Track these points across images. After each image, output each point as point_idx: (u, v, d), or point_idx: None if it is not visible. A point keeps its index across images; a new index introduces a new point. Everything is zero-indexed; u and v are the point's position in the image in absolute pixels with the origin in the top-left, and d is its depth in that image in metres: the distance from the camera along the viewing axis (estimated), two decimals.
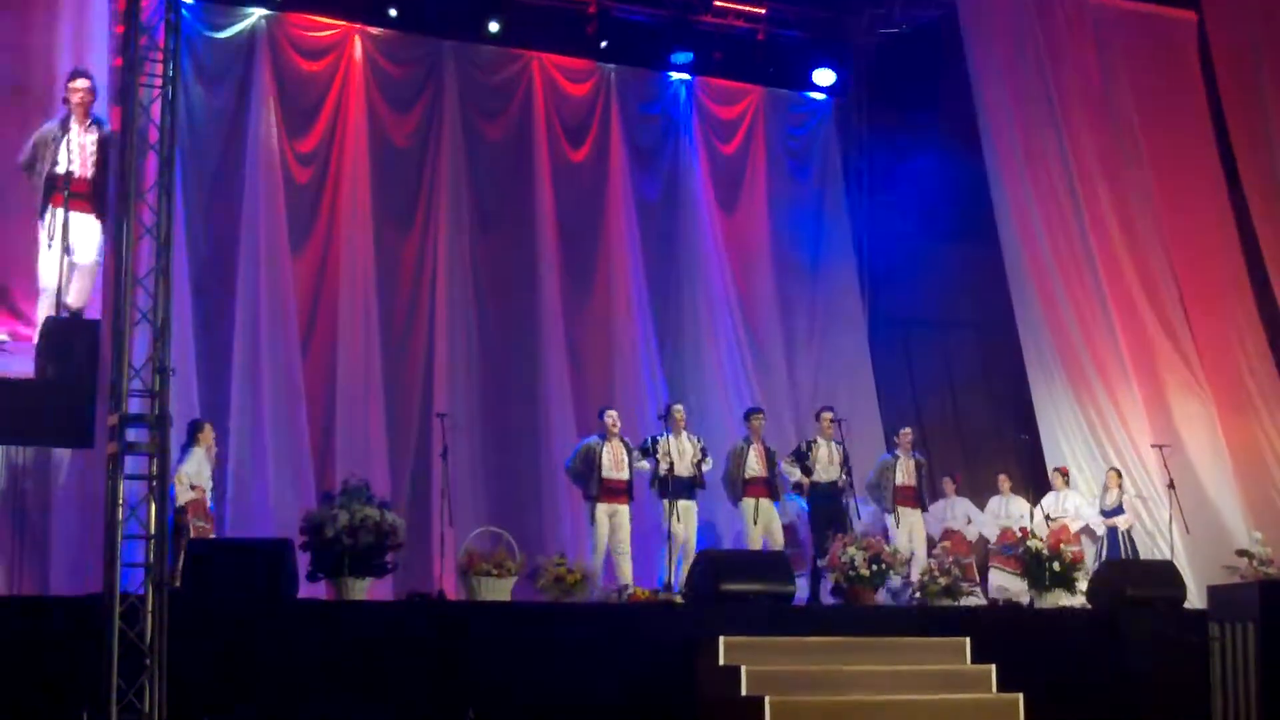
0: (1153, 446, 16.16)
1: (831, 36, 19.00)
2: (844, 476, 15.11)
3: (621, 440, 14.46)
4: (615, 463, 14.32)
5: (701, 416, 17.22)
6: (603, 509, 14.22)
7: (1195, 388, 17.00)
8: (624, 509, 14.35)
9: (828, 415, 15.39)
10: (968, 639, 11.59)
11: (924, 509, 15.78)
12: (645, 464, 14.53)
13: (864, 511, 15.41)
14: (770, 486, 14.86)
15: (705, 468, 14.64)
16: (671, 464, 14.34)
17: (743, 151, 18.61)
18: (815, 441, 15.23)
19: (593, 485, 14.25)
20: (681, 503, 14.35)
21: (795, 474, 14.99)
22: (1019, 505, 16.22)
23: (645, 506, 15.15)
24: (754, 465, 14.80)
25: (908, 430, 15.99)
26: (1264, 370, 17.27)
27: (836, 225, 18.94)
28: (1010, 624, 12.82)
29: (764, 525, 14.72)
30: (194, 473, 13.26)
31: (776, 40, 18.72)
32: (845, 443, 15.22)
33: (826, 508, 14.97)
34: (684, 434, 14.63)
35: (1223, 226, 17.64)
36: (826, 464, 15.04)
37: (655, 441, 14.51)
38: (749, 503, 14.73)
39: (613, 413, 14.63)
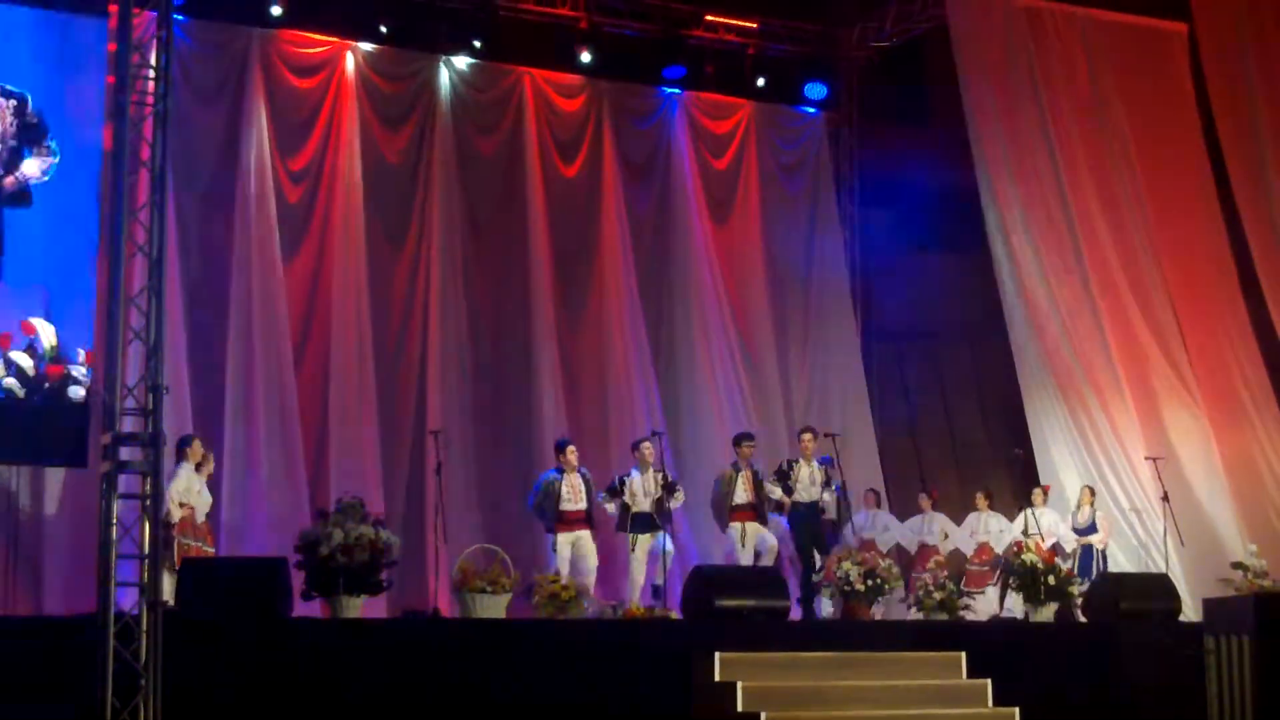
0: (1146, 459, 16.16)
1: (822, 51, 19.05)
2: (824, 496, 15.13)
3: (579, 473, 14.38)
4: (573, 494, 14.23)
5: (695, 433, 17.26)
6: (563, 537, 14.13)
7: (1189, 400, 17.02)
8: (585, 534, 14.23)
9: (808, 436, 15.40)
10: (963, 653, 11.56)
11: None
12: (612, 506, 14.53)
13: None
14: (758, 512, 14.84)
15: (672, 503, 14.54)
16: (634, 499, 14.42)
17: (735, 165, 18.64)
18: (796, 461, 15.23)
19: (550, 518, 14.22)
20: (643, 536, 14.38)
21: (776, 493, 15.00)
22: (997, 522, 16.27)
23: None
24: (742, 492, 14.78)
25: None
26: (1258, 382, 17.28)
27: (829, 238, 18.96)
28: (1006, 638, 12.80)
29: (753, 548, 14.72)
30: (183, 490, 13.24)
31: (768, 55, 18.74)
32: (840, 457, 15.20)
33: (807, 527, 15.01)
34: (650, 470, 14.57)
35: (1215, 237, 17.66)
36: (808, 484, 15.05)
37: (623, 482, 14.53)
38: (736, 527, 14.73)
39: (572, 448, 14.52)
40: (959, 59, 17.30)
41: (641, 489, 14.44)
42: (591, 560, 14.13)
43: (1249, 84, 17.42)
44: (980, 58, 17.41)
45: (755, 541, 14.67)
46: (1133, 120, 17.69)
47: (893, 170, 19.17)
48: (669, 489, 14.43)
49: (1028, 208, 17.11)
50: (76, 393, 13.28)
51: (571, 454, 14.38)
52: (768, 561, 14.63)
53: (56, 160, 14.00)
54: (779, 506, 15.04)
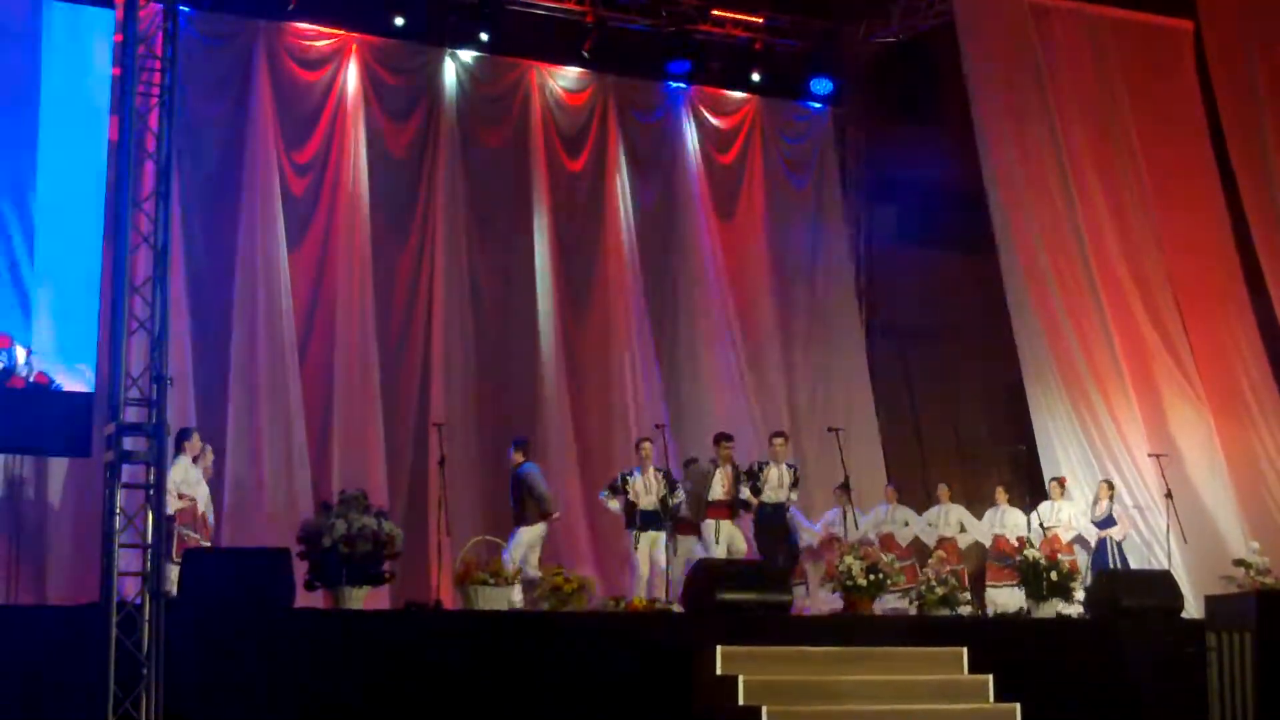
0: (1150, 456, 16.17)
1: (829, 46, 19.02)
2: (793, 496, 15.26)
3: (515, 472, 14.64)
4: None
5: (698, 427, 17.25)
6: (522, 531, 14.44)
7: (1192, 397, 17.01)
8: (519, 529, 14.42)
9: (779, 440, 15.64)
10: (965, 649, 11.55)
11: None
12: (615, 503, 14.65)
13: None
14: (731, 510, 14.93)
15: (674, 501, 14.64)
16: (638, 497, 14.52)
17: (740, 161, 18.65)
18: (767, 463, 15.34)
19: None
20: (647, 534, 14.46)
21: (745, 493, 15.11)
22: (1015, 516, 16.23)
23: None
24: (718, 489, 14.88)
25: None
26: (1261, 380, 17.27)
27: (834, 234, 18.98)
28: (1008, 634, 12.79)
29: (726, 544, 14.82)
30: (180, 480, 13.25)
31: (774, 50, 18.74)
32: (843, 452, 15.24)
33: (773, 527, 15.15)
34: (651, 469, 14.67)
35: (1220, 235, 17.65)
36: (776, 486, 15.21)
37: (625, 479, 14.66)
38: (710, 524, 14.86)
39: (510, 449, 14.81)
40: (965, 55, 17.27)
41: (644, 487, 14.53)
42: (535, 558, 14.23)
43: (1254, 81, 17.41)
44: (986, 54, 17.38)
45: (727, 539, 14.78)
46: (1138, 117, 17.68)
47: (898, 166, 19.17)
48: (672, 487, 14.51)
49: (1033, 203, 17.09)
50: None
51: (514, 453, 14.69)
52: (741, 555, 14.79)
53: None
54: (746, 506, 15.14)
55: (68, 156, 14.08)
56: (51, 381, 13.46)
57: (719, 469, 15.02)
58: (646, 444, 14.83)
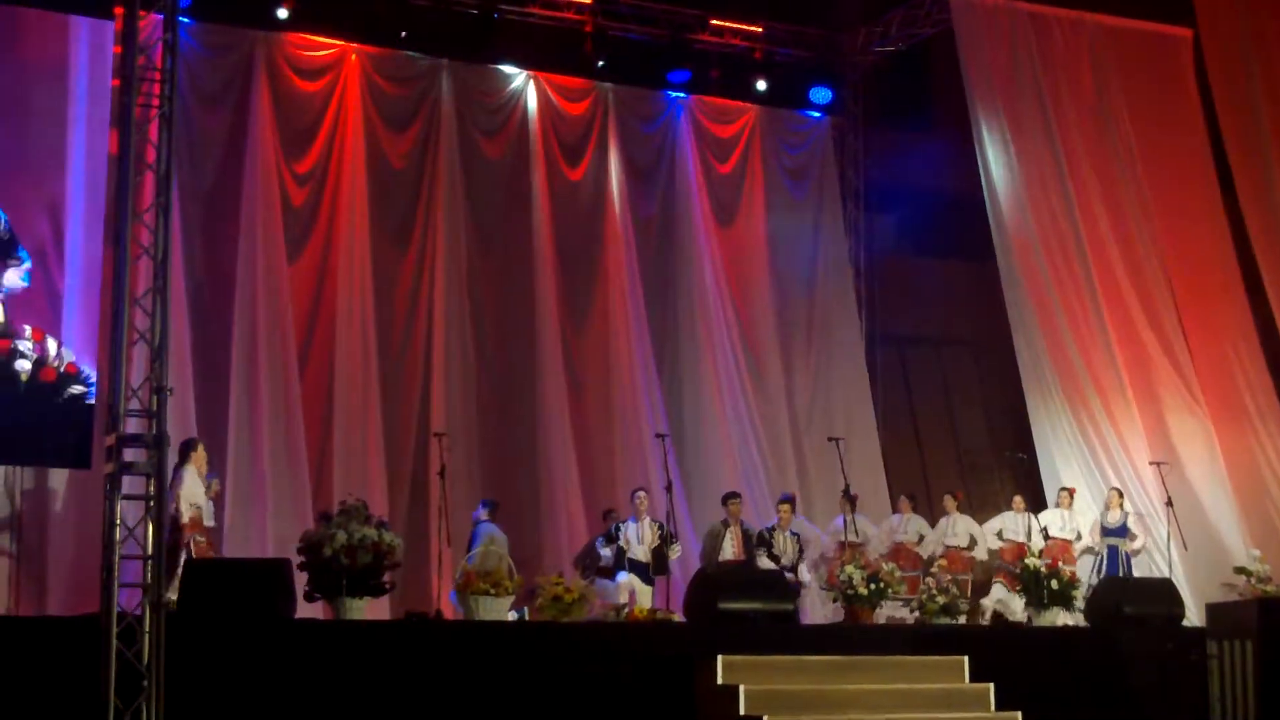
0: (1151, 464, 16.16)
1: (828, 55, 19.05)
2: (797, 553, 15.27)
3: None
4: None
5: (698, 436, 17.28)
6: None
7: (1193, 405, 17.01)
8: None
9: (785, 506, 15.62)
10: (966, 658, 11.55)
11: None
12: (608, 550, 14.67)
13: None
14: None
15: (672, 555, 14.60)
16: (629, 545, 14.54)
17: (740, 170, 18.64)
18: (775, 529, 15.33)
19: None
20: (631, 577, 14.46)
21: (763, 559, 15.08)
22: (1028, 522, 16.16)
23: None
24: (729, 550, 14.86)
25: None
26: (1261, 387, 17.27)
27: (833, 243, 18.96)
28: (1009, 642, 12.79)
29: None
30: (190, 491, 13.25)
31: (773, 59, 18.74)
32: (844, 461, 15.23)
33: None
34: (646, 520, 14.66)
35: (1220, 243, 17.66)
36: (782, 553, 15.17)
37: (618, 528, 14.70)
38: None
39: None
40: (964, 64, 17.30)
41: (636, 537, 14.56)
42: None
43: (1253, 89, 17.40)
44: (985, 63, 17.40)
45: None
46: (1137, 125, 17.70)
47: (897, 174, 19.17)
48: (666, 540, 14.49)
49: (1032, 212, 17.11)
50: (23, 366, 13.38)
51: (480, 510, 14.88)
52: None
53: (28, 265, 14.09)
54: None
55: (94, 165, 14.25)
56: (80, 370, 13.61)
57: (729, 529, 15.01)
58: (642, 494, 14.90)
